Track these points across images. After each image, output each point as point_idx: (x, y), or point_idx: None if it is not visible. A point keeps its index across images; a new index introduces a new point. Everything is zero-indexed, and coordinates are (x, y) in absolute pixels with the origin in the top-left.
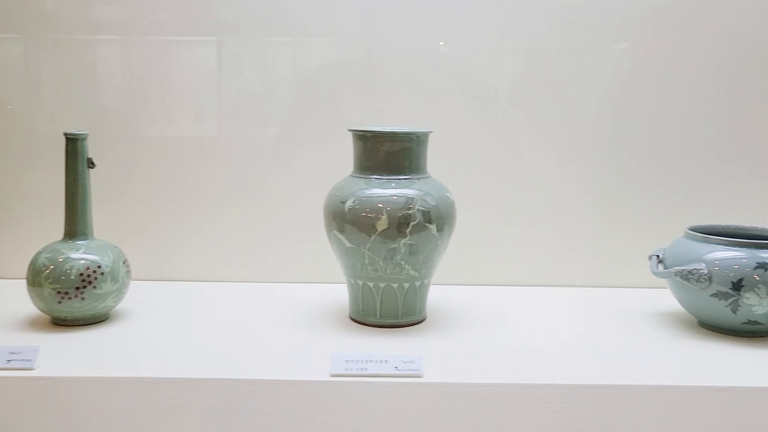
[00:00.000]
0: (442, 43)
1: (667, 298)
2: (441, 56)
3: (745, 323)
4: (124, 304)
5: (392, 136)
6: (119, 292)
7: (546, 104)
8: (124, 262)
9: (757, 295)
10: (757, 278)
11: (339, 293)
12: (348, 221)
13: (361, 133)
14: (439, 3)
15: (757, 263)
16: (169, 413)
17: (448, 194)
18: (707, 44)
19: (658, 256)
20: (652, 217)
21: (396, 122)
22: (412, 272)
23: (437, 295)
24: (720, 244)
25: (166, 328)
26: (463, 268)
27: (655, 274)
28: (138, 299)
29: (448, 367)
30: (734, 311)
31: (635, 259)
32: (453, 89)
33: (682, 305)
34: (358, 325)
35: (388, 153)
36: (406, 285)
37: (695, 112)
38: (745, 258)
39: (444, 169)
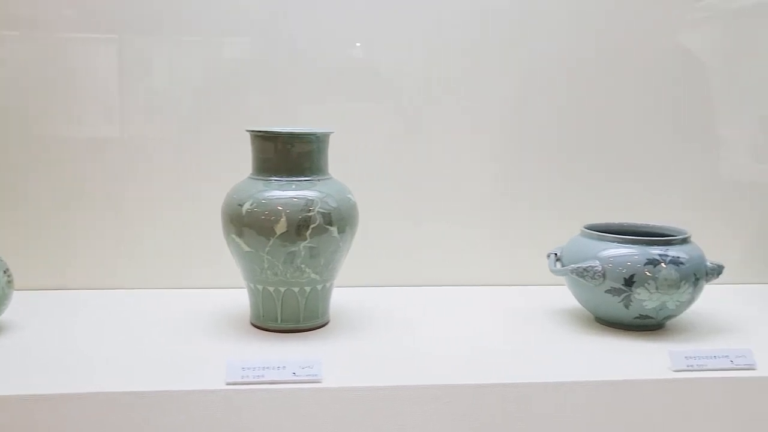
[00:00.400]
0: (358, 44)
1: (566, 296)
2: (351, 57)
3: (636, 318)
4: (5, 316)
5: (291, 137)
6: None
7: (452, 106)
8: (5, 272)
9: (647, 290)
10: (648, 274)
11: (240, 299)
12: (246, 224)
13: (260, 133)
14: (348, 4)
15: (648, 259)
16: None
17: (349, 195)
18: (604, 48)
19: (556, 254)
20: (553, 215)
21: (305, 123)
22: (313, 275)
23: (342, 298)
24: (613, 242)
25: (53, 340)
26: (369, 270)
27: (553, 271)
28: (23, 310)
29: (348, 371)
30: (627, 306)
31: (536, 257)
32: (361, 90)
33: (579, 302)
34: (259, 330)
35: (287, 154)
36: (308, 289)
37: (595, 115)
38: (636, 255)
39: (350, 170)
